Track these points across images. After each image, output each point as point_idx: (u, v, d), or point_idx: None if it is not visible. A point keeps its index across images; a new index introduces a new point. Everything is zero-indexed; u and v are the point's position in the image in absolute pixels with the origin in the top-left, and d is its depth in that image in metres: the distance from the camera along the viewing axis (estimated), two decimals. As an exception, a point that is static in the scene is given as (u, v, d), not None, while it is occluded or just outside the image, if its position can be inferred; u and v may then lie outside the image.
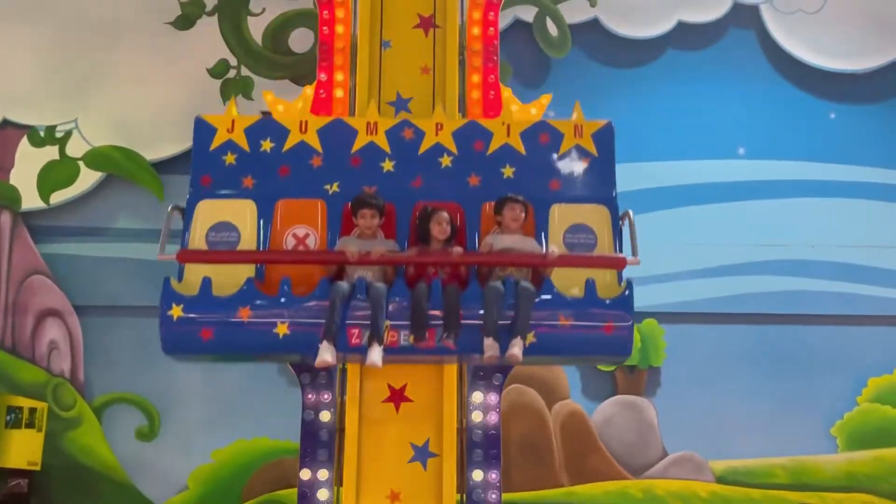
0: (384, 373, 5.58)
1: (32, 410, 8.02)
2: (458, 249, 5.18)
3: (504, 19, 8.50)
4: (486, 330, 4.98)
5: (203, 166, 5.49)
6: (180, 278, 5.26)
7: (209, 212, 5.39)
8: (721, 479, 8.42)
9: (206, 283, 5.13)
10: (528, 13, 9.06)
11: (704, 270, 8.65)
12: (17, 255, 8.61)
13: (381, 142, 5.55)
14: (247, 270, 5.22)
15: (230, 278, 5.15)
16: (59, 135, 8.84)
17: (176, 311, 5.08)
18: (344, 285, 5.04)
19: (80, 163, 8.79)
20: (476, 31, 6.25)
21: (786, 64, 9.11)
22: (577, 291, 5.16)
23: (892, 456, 8.45)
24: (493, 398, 5.66)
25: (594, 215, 5.44)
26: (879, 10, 9.13)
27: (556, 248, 5.20)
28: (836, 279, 8.68)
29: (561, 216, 5.43)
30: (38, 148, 8.81)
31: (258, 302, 5.06)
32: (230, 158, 5.49)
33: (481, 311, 5.01)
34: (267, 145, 5.52)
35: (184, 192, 8.86)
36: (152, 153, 8.77)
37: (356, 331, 5.01)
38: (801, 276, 8.66)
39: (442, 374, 5.66)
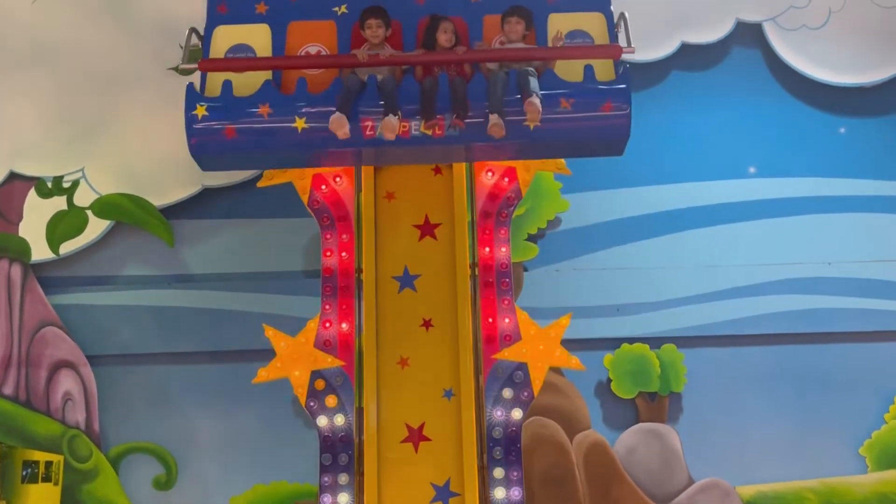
0: (401, 411, 5.52)
1: (49, 464, 7.94)
2: (462, 48, 5.52)
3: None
4: (491, 107, 5.26)
5: None
6: (203, 91, 5.60)
7: (226, 36, 5.78)
8: (750, 505, 8.27)
9: (228, 85, 5.46)
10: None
11: (721, 292, 8.53)
12: (28, 308, 8.57)
13: None
14: (264, 77, 5.55)
15: (249, 87, 5.50)
16: (66, 185, 8.84)
17: (200, 111, 5.42)
18: (356, 76, 5.41)
19: (89, 212, 8.77)
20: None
21: (792, 80, 9.04)
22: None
23: (923, 474, 8.28)
24: (513, 433, 5.57)
25: (590, 21, 5.74)
26: (884, 23, 9.07)
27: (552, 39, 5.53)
28: (854, 295, 8.54)
29: (559, 24, 5.71)
30: (45, 199, 8.81)
31: (277, 99, 5.42)
32: None
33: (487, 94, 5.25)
34: None
35: (194, 237, 8.94)
36: (160, 199, 8.75)
37: (369, 122, 5.36)
38: (819, 293, 8.53)
39: (460, 411, 5.59)
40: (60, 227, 8.74)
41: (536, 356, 5.62)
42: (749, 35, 9.13)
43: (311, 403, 5.56)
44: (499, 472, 5.48)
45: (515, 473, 5.50)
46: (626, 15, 5.63)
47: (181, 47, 8.86)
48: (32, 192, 8.82)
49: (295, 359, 5.61)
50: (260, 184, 6.56)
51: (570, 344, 5.85)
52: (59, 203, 8.80)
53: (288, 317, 7.77)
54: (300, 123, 5.35)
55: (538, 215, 8.53)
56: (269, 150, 5.49)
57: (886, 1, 9.11)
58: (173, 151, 8.79)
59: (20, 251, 8.68)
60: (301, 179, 6.24)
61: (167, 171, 8.79)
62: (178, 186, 8.73)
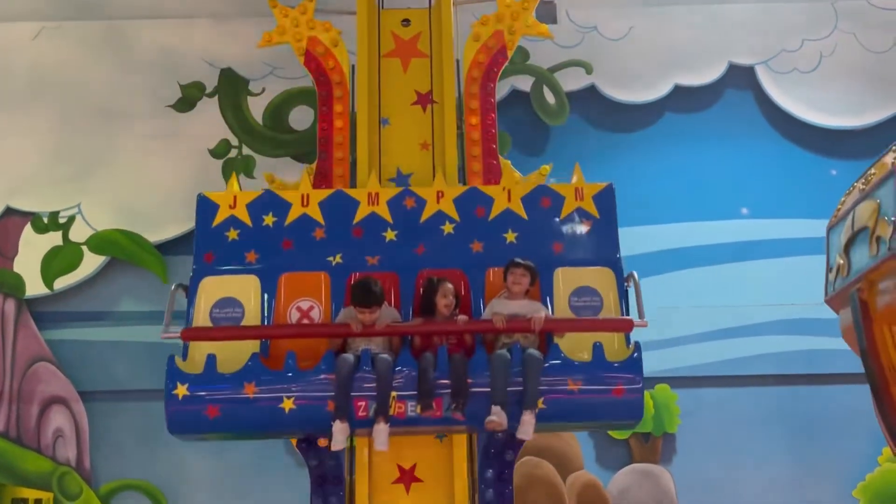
0: (393, 452, 5.48)
1: (38, 501, 7.90)
2: (462, 318, 5.18)
3: (501, 90, 8.59)
4: (493, 398, 4.89)
5: (206, 243, 5.55)
6: (185, 357, 5.25)
7: (213, 288, 5.42)
8: (742, 547, 8.22)
9: (211, 360, 5.11)
10: (525, 83, 9.14)
11: (714, 332, 8.55)
12: (21, 343, 8.56)
13: (383, 212, 5.60)
14: (252, 346, 5.20)
15: (235, 354, 5.14)
16: (62, 220, 8.87)
17: (181, 391, 5.04)
18: (349, 358, 5.00)
19: (84, 247, 8.80)
20: (474, 104, 6.29)
21: (784, 123, 9.14)
22: (585, 356, 5.10)
23: (917, 517, 8.25)
24: (505, 474, 5.54)
25: (599, 278, 5.42)
26: (874, 67, 9.19)
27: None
28: (847, 336, 8.55)
29: (566, 279, 5.42)
30: (41, 234, 8.84)
31: (264, 377, 5.03)
32: (233, 234, 5.54)
33: (489, 380, 4.92)
34: (269, 220, 5.57)
35: (187, 273, 8.86)
36: (155, 235, 8.79)
37: (363, 403, 4.96)
38: (812, 335, 8.53)
39: (452, 452, 5.56)
40: (55, 263, 8.76)
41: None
42: (741, 77, 9.25)
43: (303, 444, 5.53)
44: None
45: None
46: (636, 276, 5.33)
47: (179, 85, 9.11)
48: (28, 228, 8.86)
49: None
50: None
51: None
52: (55, 238, 8.84)
53: (281, 354, 7.77)
54: (288, 404, 4.99)
55: (532, 254, 8.56)
56: (253, 429, 5.22)
57: (876, 46, 9.24)
58: (169, 188, 8.87)
59: (14, 286, 8.69)
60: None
61: (163, 207, 8.83)
62: (174, 222, 8.76)
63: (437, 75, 5.92)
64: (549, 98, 9.15)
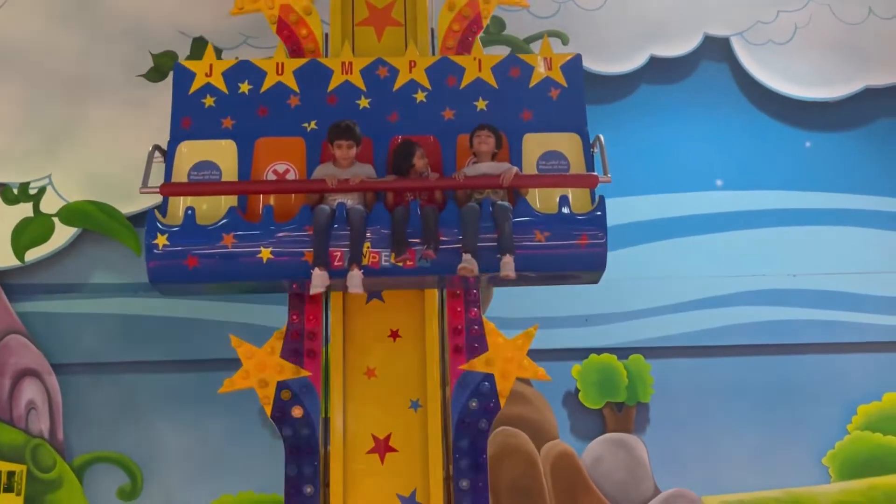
0: (367, 422, 5.51)
1: (11, 474, 7.85)
2: (435, 175, 5.44)
3: (477, 61, 8.52)
4: (464, 246, 5.14)
5: (183, 110, 5.68)
6: (164, 213, 5.43)
7: (190, 152, 5.58)
8: (715, 515, 8.33)
9: (190, 212, 5.29)
10: (500, 53, 9.07)
11: (687, 303, 8.60)
12: (-8, 316, 8.48)
13: (357, 80, 5.75)
14: (229, 202, 5.39)
15: (213, 211, 5.34)
16: (32, 191, 8.75)
17: (161, 240, 5.21)
18: (325, 209, 5.23)
19: (55, 219, 8.70)
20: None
21: (759, 95, 9.17)
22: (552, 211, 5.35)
23: (885, 484, 8.38)
24: (480, 444, 5.58)
25: (566, 143, 5.61)
26: (848, 39, 9.22)
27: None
28: (818, 307, 8.65)
29: (534, 144, 5.60)
30: (11, 205, 8.71)
31: (242, 229, 5.23)
32: (209, 101, 5.67)
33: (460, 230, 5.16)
34: (245, 87, 5.70)
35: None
36: (128, 206, 8.67)
37: (338, 253, 5.19)
38: (783, 305, 8.62)
39: (427, 422, 5.59)
40: (26, 235, 8.65)
41: (503, 367, 5.62)
42: (717, 49, 9.24)
43: (277, 414, 5.54)
44: (465, 483, 5.48)
45: (481, 484, 5.50)
46: (602, 138, 5.54)
47: (151, 54, 8.98)
48: (-2, 199, 8.74)
49: (261, 369, 5.58)
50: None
51: (538, 354, 5.87)
52: (25, 210, 8.71)
53: (255, 326, 7.76)
54: (265, 254, 5.19)
55: (507, 226, 8.56)
56: (232, 280, 5.33)
57: (851, 17, 9.27)
58: (141, 158, 8.66)
59: (-16, 258, 8.57)
60: None
61: (135, 178, 8.51)
62: (147, 194, 8.65)
63: (412, 44, 5.90)
64: (525, 69, 9.09)
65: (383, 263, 5.17)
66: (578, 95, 5.73)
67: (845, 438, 8.45)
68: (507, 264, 5.12)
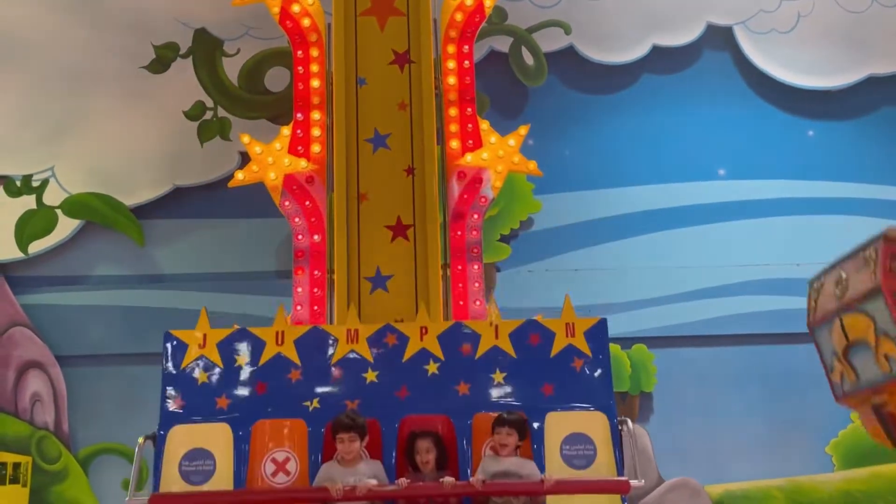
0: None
1: (17, 465, 7.87)
2: (449, 480, 4.84)
3: (479, 51, 8.49)
4: None
5: (174, 387, 5.29)
6: None
7: (182, 438, 5.16)
8: (718, 504, 8.34)
9: None
10: (503, 43, 9.07)
11: (690, 293, 8.60)
12: (-4, 308, 8.49)
13: (363, 350, 5.38)
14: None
15: None
16: (35, 184, 8.75)
17: None
18: None
19: (58, 211, 8.70)
20: (451, 64, 6.25)
21: (762, 83, 9.15)
22: None
23: (888, 472, 8.39)
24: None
25: (592, 423, 5.19)
26: (851, 28, 9.20)
27: (553, 475, 4.92)
28: (822, 296, 8.63)
29: (557, 425, 5.20)
30: (14, 198, 8.71)
31: None
32: (203, 377, 5.31)
33: None
34: (241, 360, 5.34)
35: (165, 237, 8.85)
36: (131, 198, 8.69)
37: None
38: (787, 294, 8.58)
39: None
40: (29, 227, 8.65)
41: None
42: (719, 38, 9.22)
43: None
44: None
45: None
46: (630, 423, 5.16)
47: (153, 46, 8.96)
48: (1, 191, 8.73)
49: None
50: (231, 184, 6.55)
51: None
52: (29, 202, 8.72)
53: (260, 317, 7.75)
54: None
55: (511, 216, 8.57)
56: None
57: (854, 6, 9.24)
58: (144, 150, 8.77)
59: (-12, 251, 8.59)
60: (273, 180, 6.20)
61: (138, 170, 8.74)
62: (150, 186, 8.69)
63: (415, 34, 5.88)
64: (528, 59, 9.09)
65: None
66: (604, 366, 5.34)
67: (848, 427, 8.44)
68: None
